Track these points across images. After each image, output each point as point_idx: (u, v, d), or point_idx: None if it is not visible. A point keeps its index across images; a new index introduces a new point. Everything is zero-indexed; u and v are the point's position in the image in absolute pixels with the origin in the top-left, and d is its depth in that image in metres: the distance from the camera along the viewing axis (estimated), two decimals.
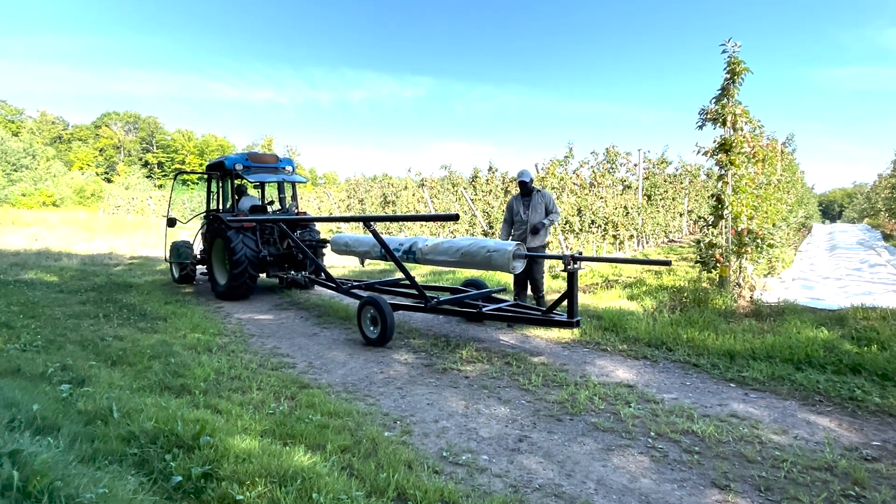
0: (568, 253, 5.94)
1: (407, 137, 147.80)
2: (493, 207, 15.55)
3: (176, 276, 10.18)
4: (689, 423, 3.64)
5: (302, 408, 3.83)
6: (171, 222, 9.75)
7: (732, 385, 4.47)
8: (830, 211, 68.21)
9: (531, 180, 6.49)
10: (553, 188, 13.67)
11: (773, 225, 7.61)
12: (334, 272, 11.08)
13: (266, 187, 10.87)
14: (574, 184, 13.35)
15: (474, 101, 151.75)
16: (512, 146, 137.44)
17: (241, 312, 7.71)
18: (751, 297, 7.16)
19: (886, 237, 18.41)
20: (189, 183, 60.68)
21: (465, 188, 17.87)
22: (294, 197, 9.73)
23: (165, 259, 10.48)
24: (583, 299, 7.98)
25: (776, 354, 4.95)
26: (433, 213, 16.90)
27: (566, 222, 12.24)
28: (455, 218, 4.61)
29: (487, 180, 18.22)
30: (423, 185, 19.22)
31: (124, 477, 2.60)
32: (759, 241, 7.07)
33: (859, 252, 14.21)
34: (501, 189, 17.40)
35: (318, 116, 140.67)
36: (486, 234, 15.02)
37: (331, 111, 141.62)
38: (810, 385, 4.32)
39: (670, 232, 18.58)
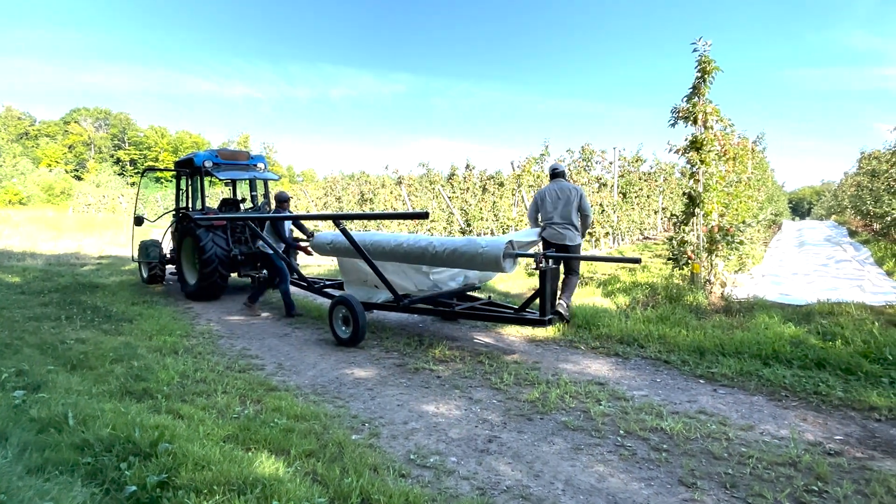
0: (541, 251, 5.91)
1: (386, 134, 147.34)
2: (470, 205, 15.55)
3: (144, 276, 9.92)
4: (658, 420, 3.65)
5: (268, 411, 3.73)
6: (139, 221, 9.49)
7: (702, 381, 4.51)
8: (800, 208, 69.97)
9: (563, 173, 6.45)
10: (529, 186, 13.71)
11: (743, 222, 7.72)
12: (312, 271, 10.94)
13: (238, 185, 10.66)
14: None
15: (454, 98, 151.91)
16: (492, 143, 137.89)
17: (211, 313, 7.54)
18: (722, 294, 7.26)
19: (852, 233, 18.92)
20: (163, 181, 59.44)
21: (442, 186, 17.82)
22: (266, 195, 9.55)
23: (133, 259, 10.21)
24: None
25: (745, 350, 5.01)
26: (407, 210, 16.80)
27: None
28: (425, 216, 4.55)
29: (465, 178, 18.20)
30: (400, 182, 19.11)
31: (74, 488, 2.49)
32: (729, 237, 7.17)
33: (826, 248, 14.57)
34: (479, 187, 17.40)
35: (296, 113, 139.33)
36: (463, 233, 15.01)
37: (309, 108, 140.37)
38: (777, 380, 4.38)
39: (645, 229, 18.82)
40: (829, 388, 4.16)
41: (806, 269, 10.88)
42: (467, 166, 18.67)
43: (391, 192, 20.96)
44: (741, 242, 7.42)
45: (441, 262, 5.49)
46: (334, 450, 3.15)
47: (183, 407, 3.74)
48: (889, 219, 12.69)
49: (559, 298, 6.06)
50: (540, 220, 6.38)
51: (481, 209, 15.04)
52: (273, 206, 8.01)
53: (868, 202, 17.28)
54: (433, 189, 18.74)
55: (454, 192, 17.51)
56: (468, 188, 17.52)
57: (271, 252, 7.02)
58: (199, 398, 4.01)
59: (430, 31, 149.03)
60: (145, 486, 2.53)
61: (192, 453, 2.78)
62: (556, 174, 6.45)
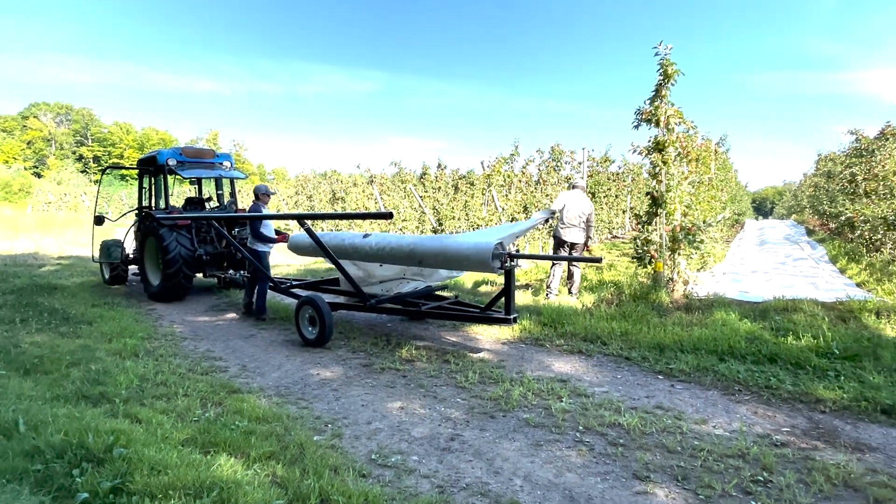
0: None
1: (358, 132, 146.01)
2: (442, 204, 15.57)
3: (106, 276, 9.66)
4: (617, 416, 3.75)
5: (229, 414, 3.70)
6: (99, 220, 9.24)
7: (660, 377, 4.64)
8: (763, 207, 72.18)
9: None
10: (500, 186, 13.82)
11: (704, 221, 7.94)
12: (280, 271, 10.81)
13: (203, 184, 10.47)
14: (520, 181, 13.53)
15: (426, 97, 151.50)
16: (464, 142, 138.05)
17: (175, 314, 7.39)
18: (684, 292, 7.46)
19: (810, 232, 19.63)
20: (128, 178, 57.76)
21: (414, 185, 17.81)
22: (233, 193, 9.40)
23: (94, 259, 9.93)
24: (526, 296, 8.11)
25: (702, 346, 5.18)
26: (373, 210, 16.74)
27: (512, 219, 12.40)
28: (389, 216, 4.55)
29: (437, 177, 18.23)
30: (372, 181, 19.02)
31: (22, 496, 2.44)
32: (691, 237, 7.37)
33: (785, 246, 15.08)
34: (451, 186, 17.44)
35: (266, 110, 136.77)
36: (434, 232, 15.03)
37: (279, 104, 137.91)
38: (731, 375, 4.54)
39: (613, 228, 19.15)
40: (779, 382, 4.33)
41: (765, 267, 11.25)
42: (439, 165, 18.70)
43: (363, 191, 20.83)
44: (702, 241, 7.63)
45: (429, 263, 5.51)
46: (295, 451, 3.14)
47: (141, 411, 3.67)
48: (843, 218, 13.20)
49: (568, 286, 7.93)
50: (560, 219, 7.83)
51: (453, 208, 15.08)
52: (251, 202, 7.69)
53: (824, 202, 17.96)
54: (405, 188, 18.71)
55: (426, 192, 17.52)
56: (440, 187, 17.56)
57: (261, 250, 6.90)
58: (159, 401, 3.94)
59: (403, 28, 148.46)
60: (97, 492, 2.49)
61: (147, 458, 2.75)
62: (575, 186, 7.96)
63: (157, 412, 3.68)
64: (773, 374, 4.52)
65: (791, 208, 36.56)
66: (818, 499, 2.70)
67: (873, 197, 11.28)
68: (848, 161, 14.16)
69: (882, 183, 10.97)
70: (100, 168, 68.47)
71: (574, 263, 7.91)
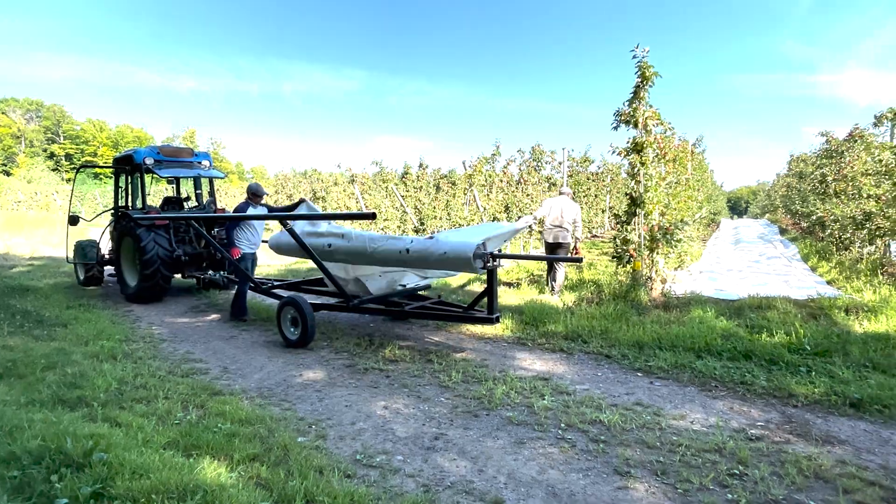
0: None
1: (339, 131, 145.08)
2: (423, 204, 15.58)
3: (81, 278, 9.46)
4: (598, 413, 3.82)
5: (211, 416, 3.67)
6: (74, 220, 9.04)
7: (639, 374, 4.74)
8: (738, 207, 73.67)
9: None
10: (482, 185, 13.89)
11: (682, 221, 8.10)
12: (261, 271, 10.70)
13: (182, 183, 10.31)
14: (501, 181, 13.62)
15: (408, 96, 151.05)
16: (447, 141, 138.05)
17: (153, 316, 7.28)
18: (662, 290, 7.60)
19: (783, 231, 20.16)
20: (102, 177, 56.47)
21: (395, 184, 17.78)
22: (211, 193, 9.29)
23: (68, 260, 9.72)
24: (509, 295, 8.18)
25: (680, 344, 5.29)
26: (358, 210, 16.69)
27: (494, 218, 12.47)
28: (372, 217, 4.56)
29: (419, 176, 18.23)
30: (353, 180, 18.94)
31: None
32: (669, 236, 7.52)
33: (759, 245, 15.46)
34: (433, 185, 17.47)
35: (245, 108, 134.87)
36: (416, 232, 15.03)
37: (259, 103, 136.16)
38: (708, 372, 4.65)
39: (593, 228, 19.38)
40: (754, 378, 4.46)
41: (740, 265, 11.52)
42: (421, 165, 18.70)
43: (344, 190, 20.74)
44: (679, 241, 7.79)
45: (422, 263, 5.53)
46: (279, 453, 3.14)
47: (121, 414, 3.62)
48: (814, 218, 13.58)
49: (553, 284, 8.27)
50: (545, 223, 8.30)
51: (435, 208, 15.11)
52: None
53: (796, 202, 18.43)
54: (387, 187, 18.68)
55: (408, 191, 17.51)
56: (422, 187, 17.56)
57: (244, 251, 6.80)
58: (139, 405, 3.89)
59: (385, 27, 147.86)
60: (78, 497, 2.45)
61: (129, 462, 2.71)
62: (561, 193, 8.46)
63: (138, 415, 3.63)
64: (748, 370, 4.65)
65: (765, 208, 37.41)
66: (791, 491, 2.79)
67: (842, 197, 11.62)
68: (819, 162, 14.56)
69: (850, 183, 11.31)
70: (72, 166, 66.84)
71: (558, 263, 8.21)
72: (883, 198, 8.69)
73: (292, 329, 5.67)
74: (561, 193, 8.49)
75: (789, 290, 7.94)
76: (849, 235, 10.64)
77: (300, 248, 5.64)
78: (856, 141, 11.88)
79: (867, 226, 9.29)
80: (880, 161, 9.53)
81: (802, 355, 4.88)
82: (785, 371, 4.60)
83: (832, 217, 11.47)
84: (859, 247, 10.30)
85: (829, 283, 8.83)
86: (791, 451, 3.22)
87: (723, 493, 2.78)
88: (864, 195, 9.59)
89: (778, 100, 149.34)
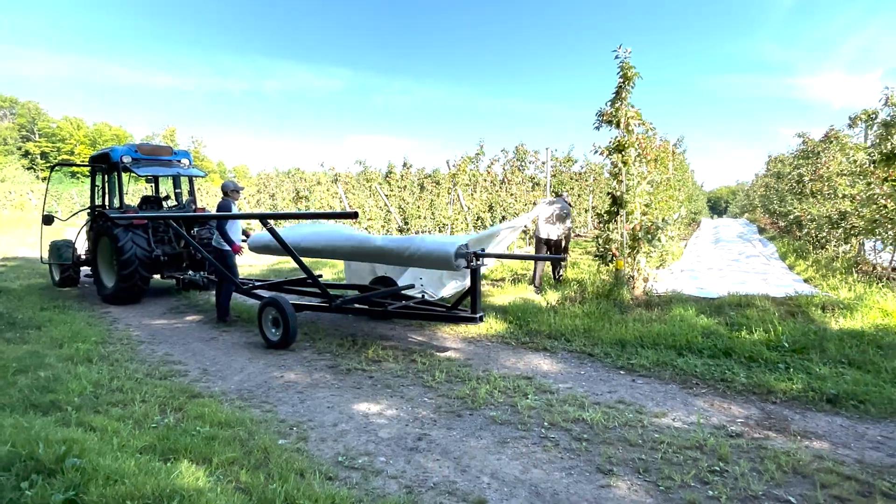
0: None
1: (323, 130, 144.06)
2: (408, 203, 15.53)
3: (56, 278, 9.24)
4: (581, 411, 3.83)
5: (189, 419, 3.60)
6: (48, 220, 8.82)
7: (622, 372, 4.76)
8: (718, 207, 74.81)
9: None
10: (466, 185, 13.89)
11: (663, 220, 8.18)
12: (245, 271, 10.56)
13: (161, 182, 10.13)
14: (486, 181, 13.63)
15: (393, 95, 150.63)
16: (430, 140, 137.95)
17: (131, 317, 7.14)
18: (644, 289, 7.67)
19: (761, 230, 20.50)
20: (79, 175, 55.30)
21: (379, 184, 17.69)
22: (192, 192, 9.13)
23: (43, 261, 9.49)
24: (493, 294, 8.18)
25: (662, 342, 5.34)
26: (339, 210, 16.58)
27: (478, 218, 12.47)
28: (354, 216, 4.52)
29: (402, 176, 18.16)
30: (336, 180, 18.80)
31: None
32: (650, 235, 7.58)
33: (738, 244, 15.70)
34: (417, 185, 17.42)
35: (227, 106, 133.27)
36: (401, 231, 14.98)
37: (241, 101, 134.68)
38: (689, 369, 4.70)
39: (577, 227, 19.49)
40: (734, 375, 4.51)
41: (720, 264, 11.68)
42: (405, 164, 18.63)
43: (327, 190, 20.57)
44: (661, 240, 7.86)
45: (394, 261, 5.61)
46: (259, 456, 3.09)
47: (95, 418, 3.53)
48: (791, 217, 13.83)
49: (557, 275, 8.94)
50: (539, 220, 8.71)
51: (419, 207, 15.06)
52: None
53: (774, 202, 18.75)
54: (370, 187, 18.58)
55: (392, 191, 17.43)
56: (405, 186, 17.50)
57: (226, 250, 6.65)
58: (115, 408, 3.80)
59: (369, 26, 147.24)
60: None
61: (103, 467, 2.64)
62: (558, 195, 9.16)
63: (113, 419, 3.55)
64: (728, 367, 4.71)
65: (744, 207, 38.03)
66: (770, 486, 2.83)
67: (819, 197, 11.85)
68: (796, 162, 14.83)
69: (826, 184, 11.54)
70: (47, 165, 65.28)
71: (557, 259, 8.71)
72: (857, 197, 8.86)
73: (274, 330, 5.60)
74: (557, 195, 9.09)
75: (768, 288, 8.06)
76: (825, 234, 10.85)
77: (281, 247, 5.57)
78: (831, 142, 12.12)
79: (842, 225, 9.49)
80: (855, 162, 9.73)
81: (781, 352, 4.96)
82: (764, 368, 4.66)
83: (809, 216, 11.69)
84: (835, 245, 10.51)
85: (805, 281, 8.99)
86: (770, 447, 3.26)
87: (704, 489, 2.80)
88: (840, 195, 9.79)
89: (757, 101, 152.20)
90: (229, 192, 6.72)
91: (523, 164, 14.59)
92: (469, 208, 12.82)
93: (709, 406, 3.98)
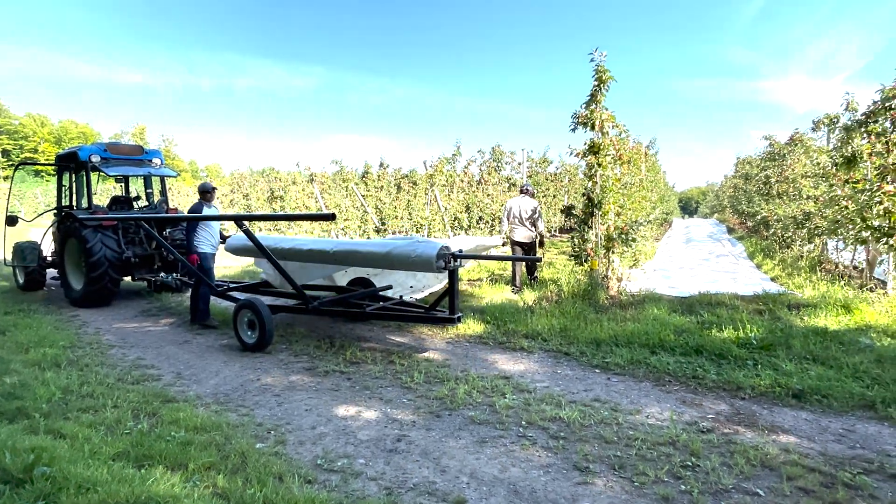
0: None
1: (297, 129, 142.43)
2: (384, 204, 15.49)
3: (20, 282, 8.96)
4: (558, 410, 3.89)
5: (164, 424, 3.54)
6: (12, 221, 8.55)
7: (597, 371, 4.85)
8: (689, 207, 76.45)
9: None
10: (442, 185, 13.92)
11: (636, 221, 8.36)
12: (220, 273, 10.37)
13: (131, 182, 9.90)
14: (462, 181, 13.68)
15: (368, 94, 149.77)
16: (406, 140, 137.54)
17: (101, 321, 6.96)
18: (618, 288, 7.81)
19: (730, 230, 21.05)
20: (44, 175, 53.58)
21: (356, 184, 17.60)
22: (163, 192, 8.95)
23: (6, 263, 9.18)
24: (470, 294, 8.22)
25: (635, 340, 5.45)
26: (315, 212, 16.45)
27: (455, 218, 12.52)
28: (332, 217, 4.50)
29: (379, 176, 18.10)
30: (312, 179, 18.63)
31: None
32: (624, 236, 7.73)
33: (709, 244, 16.09)
34: (394, 185, 17.38)
35: (199, 104, 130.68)
36: (378, 231, 14.93)
37: (213, 99, 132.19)
38: (662, 367, 4.81)
39: (552, 227, 19.71)
40: (705, 372, 4.63)
41: (691, 263, 11.96)
42: (381, 164, 18.57)
43: (303, 190, 20.36)
44: (634, 240, 8.02)
45: (372, 263, 5.62)
46: (237, 460, 3.06)
47: (65, 425, 3.45)
48: (759, 217, 14.25)
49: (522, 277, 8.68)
50: (508, 222, 8.59)
51: (396, 208, 15.04)
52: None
53: (742, 202, 19.28)
54: (347, 187, 18.47)
55: (368, 191, 17.36)
56: (382, 186, 17.45)
57: (203, 252, 6.54)
58: (85, 415, 3.72)
59: (343, 23, 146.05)
60: None
61: (74, 475, 2.59)
62: (523, 192, 8.71)
63: (84, 426, 3.47)
64: (700, 364, 4.83)
65: (714, 208, 38.96)
66: (740, 480, 2.92)
67: (784, 198, 12.25)
68: (763, 164, 15.29)
69: (792, 185, 11.93)
70: (10, 163, 63.01)
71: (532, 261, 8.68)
72: (820, 199, 9.19)
73: (249, 332, 5.53)
74: (522, 192, 8.77)
75: (737, 287, 8.30)
76: (790, 234, 11.21)
77: (258, 249, 5.51)
78: (796, 145, 12.54)
79: (806, 225, 9.83)
80: (818, 164, 10.09)
81: (749, 349, 5.11)
82: (733, 365, 4.80)
83: (775, 217, 12.07)
84: (800, 245, 10.87)
85: (773, 279, 9.27)
86: (739, 442, 3.36)
87: (676, 484, 2.88)
88: (804, 196, 10.13)
89: (724, 104, 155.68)
90: (202, 193, 6.64)
91: (500, 164, 14.71)
92: (446, 209, 12.86)
93: (681, 403, 4.09)
